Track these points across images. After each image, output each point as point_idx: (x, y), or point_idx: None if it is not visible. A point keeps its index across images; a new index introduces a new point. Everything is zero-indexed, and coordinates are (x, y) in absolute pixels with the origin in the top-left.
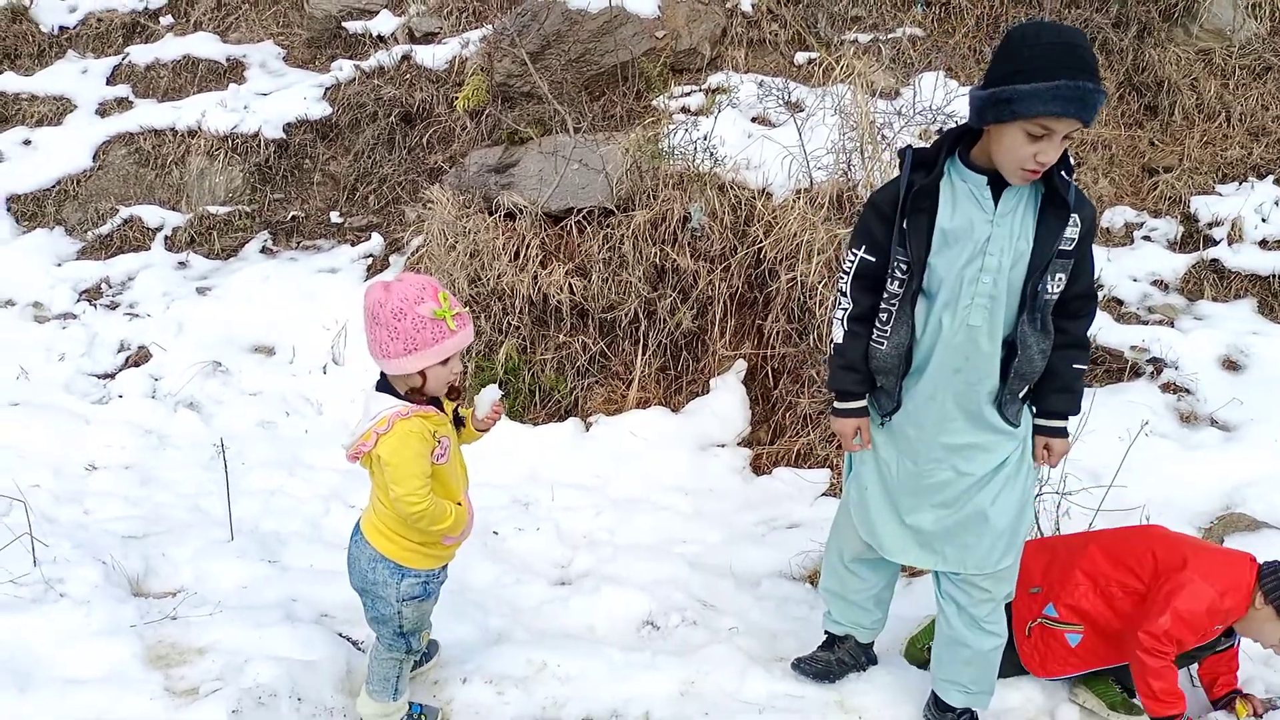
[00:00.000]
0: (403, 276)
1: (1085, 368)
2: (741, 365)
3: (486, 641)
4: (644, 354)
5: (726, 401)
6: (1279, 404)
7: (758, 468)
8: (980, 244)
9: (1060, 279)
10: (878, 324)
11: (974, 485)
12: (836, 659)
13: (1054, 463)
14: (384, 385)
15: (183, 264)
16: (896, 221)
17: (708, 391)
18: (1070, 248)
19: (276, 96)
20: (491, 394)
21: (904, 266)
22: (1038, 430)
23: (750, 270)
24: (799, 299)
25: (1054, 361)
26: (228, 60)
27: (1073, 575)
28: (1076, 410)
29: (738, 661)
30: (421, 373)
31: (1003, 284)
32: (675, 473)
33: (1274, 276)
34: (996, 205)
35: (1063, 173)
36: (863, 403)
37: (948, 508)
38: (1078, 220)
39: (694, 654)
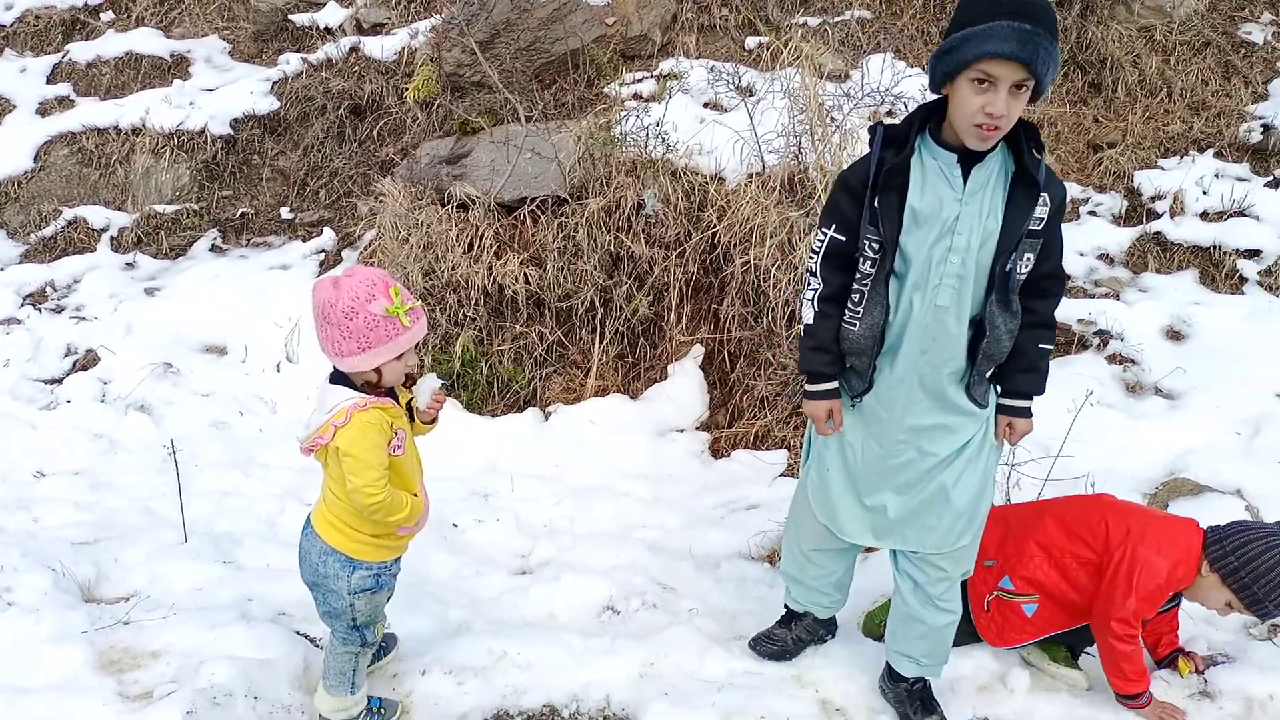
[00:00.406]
0: (352, 271)
1: (1051, 347)
2: (698, 350)
3: (446, 633)
4: (601, 342)
5: (684, 387)
6: (1220, 372)
7: (716, 451)
8: (949, 223)
9: (1029, 259)
10: (850, 305)
11: (937, 466)
12: (794, 636)
13: (1015, 441)
14: (338, 377)
15: (130, 265)
16: (867, 200)
17: (666, 378)
18: (1039, 227)
19: (223, 92)
20: (430, 383)
21: (876, 246)
22: (1001, 409)
23: (705, 255)
24: (753, 282)
25: (1020, 341)
26: (172, 56)
27: (1027, 548)
28: (1041, 390)
29: (697, 642)
30: (376, 369)
31: (971, 264)
32: (635, 459)
33: (1214, 247)
34: (966, 184)
35: (1034, 151)
36: (835, 384)
37: (911, 488)
38: (1047, 199)
39: (654, 636)
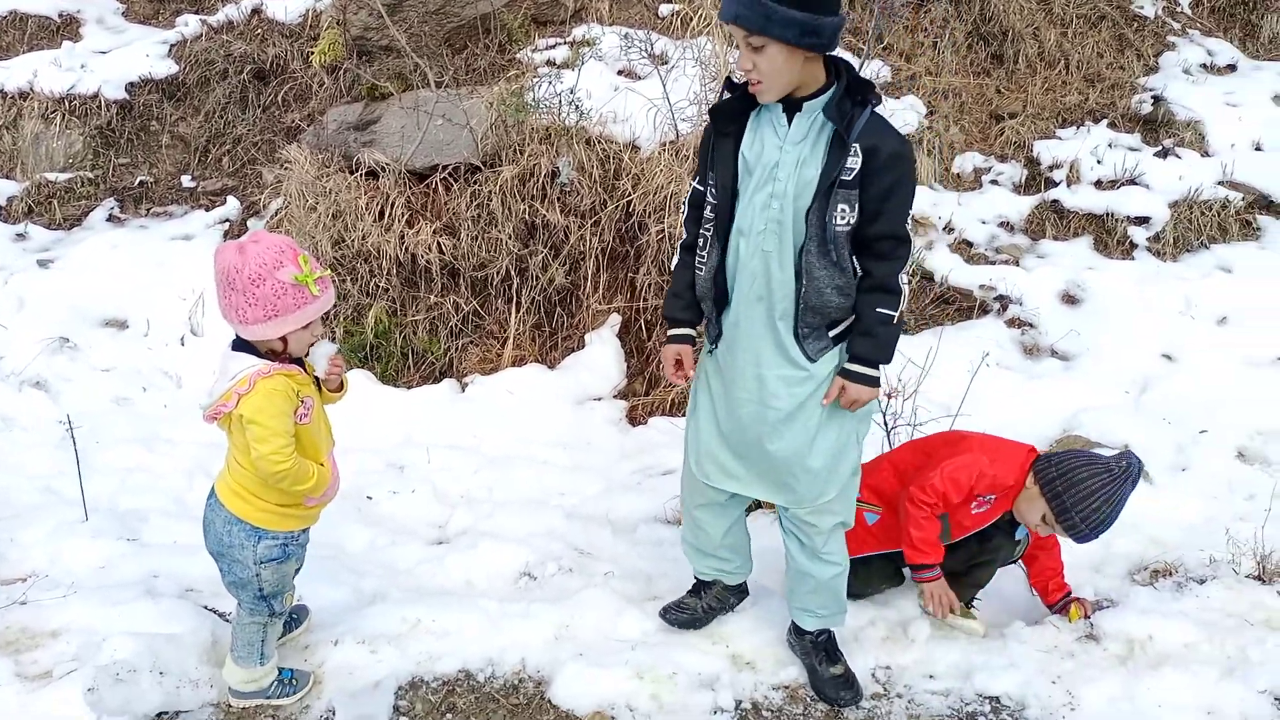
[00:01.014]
0: (258, 237)
1: (892, 314)
2: (615, 319)
3: (360, 604)
4: (518, 312)
5: (602, 355)
6: (1112, 334)
7: (634, 419)
8: (769, 169)
9: (844, 210)
10: (698, 251)
11: (783, 421)
12: (704, 605)
13: (846, 405)
14: (241, 344)
15: (21, 236)
16: (705, 149)
17: (583, 347)
18: (850, 178)
19: (117, 54)
20: (326, 349)
21: (714, 192)
22: (841, 373)
23: (620, 224)
24: (669, 251)
25: (859, 304)
26: (60, 16)
27: (879, 463)
28: (880, 357)
29: (613, 604)
30: (282, 338)
31: (789, 210)
32: (553, 428)
33: (1107, 215)
34: (789, 132)
35: (855, 104)
36: (686, 330)
37: (763, 442)
38: (858, 150)
39: (569, 600)
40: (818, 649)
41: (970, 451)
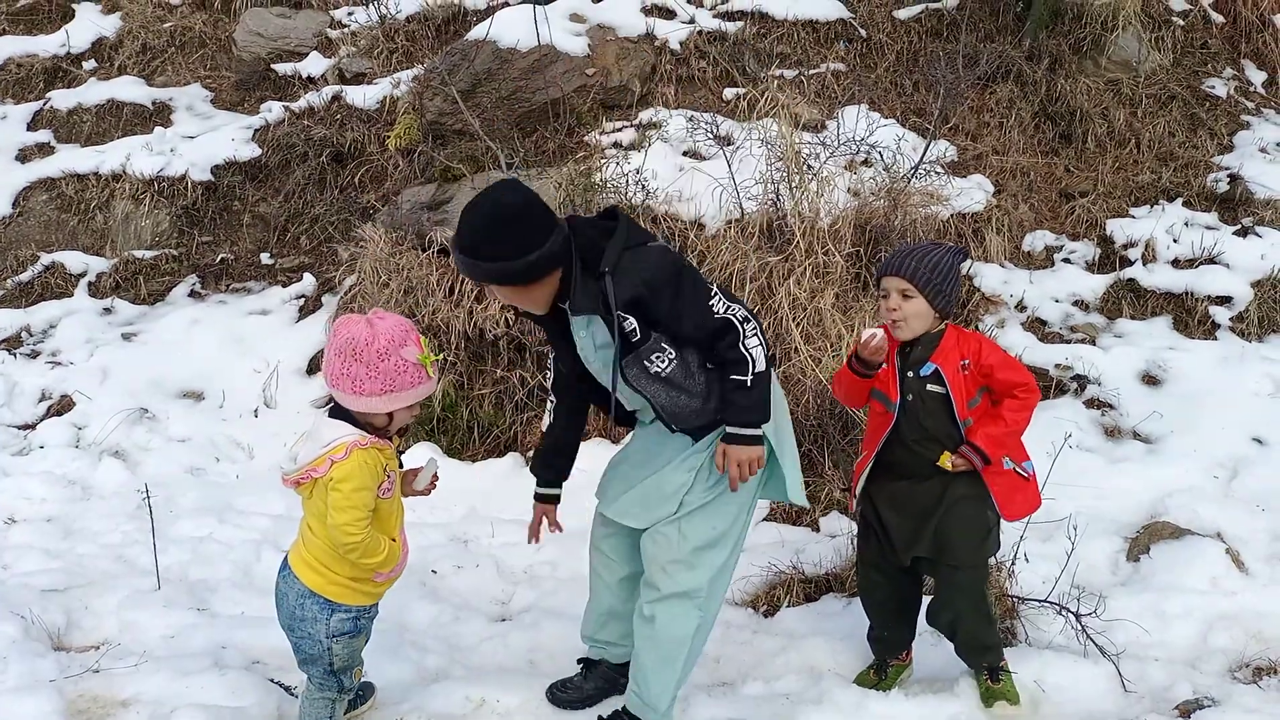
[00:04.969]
0: (382, 314)
1: (743, 378)
2: None
3: (424, 680)
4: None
5: None
6: (1197, 416)
7: None
8: (586, 362)
9: (658, 357)
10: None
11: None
12: (593, 686)
13: (724, 467)
14: (339, 411)
15: (107, 310)
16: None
17: None
18: (637, 335)
19: (204, 139)
20: (433, 467)
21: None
22: (723, 437)
23: None
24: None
25: (716, 382)
26: (154, 104)
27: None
28: (742, 419)
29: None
30: (390, 413)
31: (608, 377)
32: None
33: (1186, 294)
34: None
35: (598, 278)
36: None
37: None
38: (623, 314)
39: None
40: None
41: (979, 339)
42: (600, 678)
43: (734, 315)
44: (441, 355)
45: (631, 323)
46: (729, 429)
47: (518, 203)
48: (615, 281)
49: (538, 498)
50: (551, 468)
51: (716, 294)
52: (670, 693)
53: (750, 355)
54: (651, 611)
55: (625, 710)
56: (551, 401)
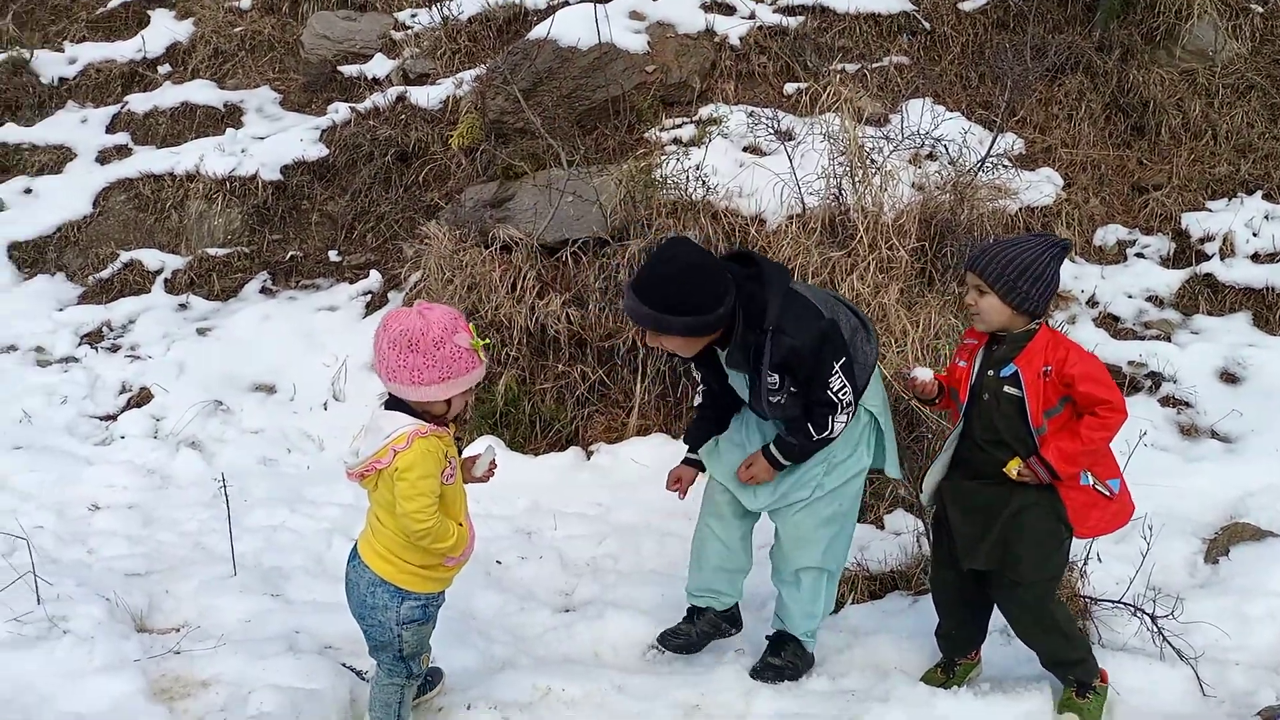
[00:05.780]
0: (430, 305)
1: (794, 442)
2: None
3: (491, 669)
4: (643, 381)
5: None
6: (1279, 414)
7: None
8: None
9: (773, 390)
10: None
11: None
12: (698, 630)
13: (744, 476)
14: (396, 404)
15: (183, 306)
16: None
17: None
18: (776, 382)
19: (273, 140)
20: (491, 453)
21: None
22: (761, 449)
23: None
24: None
25: (800, 416)
26: (225, 106)
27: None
28: (788, 453)
29: (744, 682)
30: (448, 400)
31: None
32: (679, 499)
33: (1268, 289)
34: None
35: (760, 333)
36: None
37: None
38: (770, 373)
39: (699, 676)
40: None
41: (1070, 347)
42: (707, 623)
43: (842, 398)
44: (488, 341)
45: (775, 379)
46: (773, 448)
47: (704, 262)
48: (773, 340)
49: (686, 461)
50: (702, 437)
51: (837, 372)
52: (817, 623)
53: (831, 427)
54: (794, 578)
55: (782, 632)
56: (700, 390)
